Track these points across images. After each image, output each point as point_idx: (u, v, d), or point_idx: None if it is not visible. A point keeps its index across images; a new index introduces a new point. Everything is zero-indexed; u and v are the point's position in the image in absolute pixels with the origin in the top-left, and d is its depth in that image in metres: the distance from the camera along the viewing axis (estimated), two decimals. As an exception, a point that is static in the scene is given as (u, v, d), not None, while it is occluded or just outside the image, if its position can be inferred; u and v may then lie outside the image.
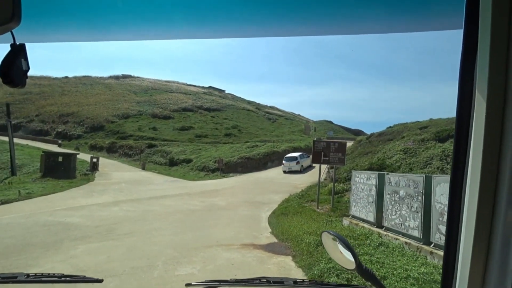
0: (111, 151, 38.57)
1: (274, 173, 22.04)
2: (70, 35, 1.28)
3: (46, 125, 52.37)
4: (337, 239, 1.11)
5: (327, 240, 1.17)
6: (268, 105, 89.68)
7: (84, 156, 27.70)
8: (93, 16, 1.09)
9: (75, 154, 21.86)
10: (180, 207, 11.34)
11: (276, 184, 17.32)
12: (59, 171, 19.44)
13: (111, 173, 23.19)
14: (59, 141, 44.21)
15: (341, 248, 1.11)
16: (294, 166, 21.61)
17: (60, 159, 20.28)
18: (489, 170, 0.61)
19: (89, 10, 1.05)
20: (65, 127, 50.37)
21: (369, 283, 1.07)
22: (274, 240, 7.14)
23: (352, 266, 1.05)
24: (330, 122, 60.09)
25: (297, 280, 1.11)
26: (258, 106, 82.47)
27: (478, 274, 0.63)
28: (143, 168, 27.40)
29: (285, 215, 9.72)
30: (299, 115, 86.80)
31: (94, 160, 24.32)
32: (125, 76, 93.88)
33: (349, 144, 17.69)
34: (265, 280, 1.11)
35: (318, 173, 11.98)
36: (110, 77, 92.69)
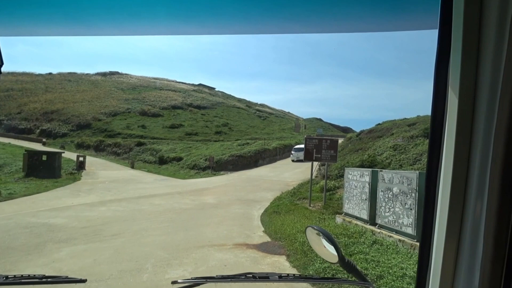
0: (98, 149, 37.66)
1: (265, 171, 22.00)
2: (49, 29, 1.20)
3: (29, 123, 50.67)
4: (320, 234, 1.16)
5: (311, 235, 1.21)
6: (259, 102, 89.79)
7: (70, 155, 26.93)
8: (74, 9, 1.03)
9: (60, 153, 21.13)
10: (171, 206, 11.09)
11: (268, 182, 17.22)
12: (43, 171, 18.76)
13: (98, 172, 22.59)
14: (44, 140, 42.85)
15: (324, 242, 1.15)
16: (301, 155, 22.21)
17: (44, 158, 19.55)
18: (460, 165, 0.64)
19: (69, 3, 0.99)
20: (49, 125, 48.87)
21: (351, 275, 1.11)
22: (267, 239, 7.01)
23: (335, 259, 1.09)
24: (320, 119, 60.55)
25: (282, 275, 1.13)
26: (249, 104, 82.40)
27: (450, 263, 0.67)
28: (132, 167, 26.83)
29: (277, 213, 9.61)
30: (289, 112, 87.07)
31: (81, 158, 23.63)
32: (112, 73, 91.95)
33: (339, 141, 17.82)
34: (251, 275, 1.12)
35: (309, 170, 11.93)
36: (97, 73, 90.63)
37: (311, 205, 10.63)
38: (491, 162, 0.59)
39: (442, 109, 0.69)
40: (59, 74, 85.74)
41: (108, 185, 16.54)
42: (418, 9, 0.94)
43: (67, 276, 1.12)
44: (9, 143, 36.40)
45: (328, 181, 12.00)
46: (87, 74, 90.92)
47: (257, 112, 72.60)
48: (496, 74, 0.59)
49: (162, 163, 28.33)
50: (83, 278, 1.12)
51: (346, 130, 56.03)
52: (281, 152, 26.26)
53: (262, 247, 6.36)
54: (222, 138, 40.92)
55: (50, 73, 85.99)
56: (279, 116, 76.64)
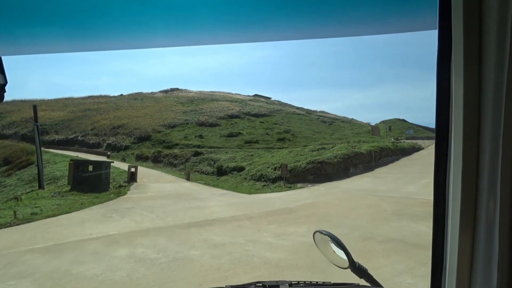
0: (156, 160, 35.77)
1: (367, 182, 15.16)
2: (54, 45, 1.13)
3: (98, 138, 52.98)
4: (329, 239, 1.11)
5: (320, 240, 1.16)
6: (318, 110, 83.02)
7: (125, 166, 24.51)
8: (77, 23, 1.01)
9: (109, 163, 18.22)
10: (241, 251, 5.84)
11: (392, 201, 10.89)
12: (90, 183, 15.74)
13: (149, 184, 19.08)
14: (108, 153, 43.32)
15: (334, 247, 1.11)
16: None
17: (91, 168, 16.67)
18: (470, 163, 0.63)
19: (69, 20, 0.98)
20: (114, 139, 50.12)
21: (364, 280, 1.07)
22: None
23: (346, 264, 1.06)
24: (404, 120, 50.58)
25: (293, 282, 1.09)
26: (308, 111, 76.36)
27: (465, 262, 0.65)
28: (188, 179, 23.05)
29: None
30: (352, 119, 78.27)
31: (132, 170, 20.61)
32: (173, 90, 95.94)
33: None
34: (261, 284, 1.08)
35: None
36: (160, 91, 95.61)
37: None
38: (501, 158, 0.58)
39: (446, 108, 0.67)
40: (129, 94, 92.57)
41: (154, 203, 12.29)
42: (418, 9, 0.91)
43: None
44: (77, 156, 36.93)
45: None
46: (151, 92, 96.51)
47: (320, 117, 65.90)
48: (500, 70, 0.57)
49: (221, 174, 24.01)
50: None
51: (435, 132, 45.95)
52: (377, 157, 19.40)
53: None
54: (286, 145, 35.58)
55: (121, 94, 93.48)
56: (345, 121, 68.75)
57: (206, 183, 21.18)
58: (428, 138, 36.42)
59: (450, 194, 0.67)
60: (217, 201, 13.10)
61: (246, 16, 0.97)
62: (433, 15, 0.75)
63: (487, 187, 0.61)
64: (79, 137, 55.70)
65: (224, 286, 1.05)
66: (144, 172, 27.33)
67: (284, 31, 1.04)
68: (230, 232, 7.32)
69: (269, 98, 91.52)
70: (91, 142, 52.00)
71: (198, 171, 27.77)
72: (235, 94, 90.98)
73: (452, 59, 0.64)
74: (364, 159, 18.38)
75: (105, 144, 49.43)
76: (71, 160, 17.94)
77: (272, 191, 16.02)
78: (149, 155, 37.91)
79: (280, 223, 8.16)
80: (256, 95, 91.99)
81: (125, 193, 15.13)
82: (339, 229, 6.93)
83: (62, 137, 56.01)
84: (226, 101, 74.32)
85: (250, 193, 15.96)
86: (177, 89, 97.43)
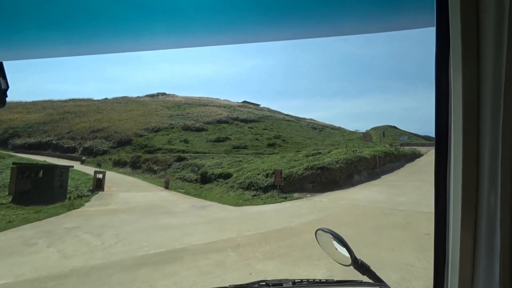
0: (135, 166, 32.38)
1: (383, 193, 12.56)
2: (55, 50, 1.10)
3: (74, 141, 48.94)
4: (332, 236, 1.11)
5: (322, 238, 1.17)
6: (307, 117, 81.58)
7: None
8: (75, 27, 0.99)
9: (67, 167, 15.01)
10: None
11: (418, 218, 8.34)
12: (38, 193, 12.55)
13: (117, 194, 15.95)
14: (83, 158, 39.54)
15: (336, 244, 1.11)
16: None
17: (41, 174, 13.46)
18: (470, 161, 0.63)
19: (70, 24, 0.97)
20: (92, 143, 46.27)
21: (366, 277, 1.07)
22: None
23: (348, 261, 1.06)
24: (395, 127, 49.18)
25: (296, 281, 1.10)
26: (297, 119, 74.73)
27: (468, 259, 0.65)
28: (166, 187, 20.00)
29: None
30: (340, 127, 77.23)
31: (99, 176, 17.43)
32: (159, 94, 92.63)
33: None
34: (264, 283, 1.09)
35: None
36: (146, 95, 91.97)
37: None
38: (501, 153, 0.58)
39: (446, 105, 0.67)
40: (113, 98, 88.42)
41: (111, 220, 9.30)
42: (414, 6, 0.89)
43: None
44: (45, 161, 33.06)
45: None
46: (137, 96, 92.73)
47: (310, 124, 64.13)
48: (498, 65, 0.57)
49: (205, 182, 21.09)
50: None
51: (428, 138, 45.10)
52: (381, 164, 16.91)
53: None
54: (277, 150, 33.10)
55: (106, 98, 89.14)
56: (335, 128, 67.42)
57: (187, 192, 18.23)
58: (423, 144, 35.02)
59: (451, 190, 0.67)
60: (195, 216, 10.23)
61: (238, 17, 0.93)
62: (430, 12, 0.75)
63: (487, 183, 0.61)
64: (53, 141, 51.40)
65: (227, 285, 1.06)
66: (118, 179, 24.04)
67: (283, 30, 1.01)
68: (204, 277, 4.50)
69: (258, 105, 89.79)
70: (66, 146, 47.88)
71: (180, 178, 24.72)
72: (224, 100, 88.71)
73: (450, 55, 0.63)
74: (368, 165, 15.93)
75: (81, 149, 45.46)
76: (13, 163, 14.54)
77: (265, 203, 13.26)
78: (128, 160, 34.46)
79: (282, 257, 5.40)
80: (245, 101, 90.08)
81: (80, 206, 11.99)
82: (384, 271, 4.23)
83: (34, 140, 51.47)
84: (214, 106, 71.84)
85: (237, 204, 13.14)
86: (164, 94, 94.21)
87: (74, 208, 11.41)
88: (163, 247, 6.00)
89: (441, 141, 0.69)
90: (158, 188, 20.12)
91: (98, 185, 17.07)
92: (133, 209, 11.43)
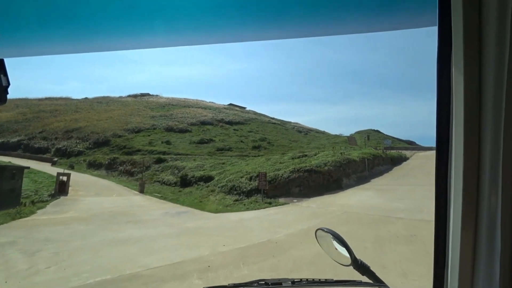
0: (111, 168, 30.31)
1: (375, 198, 11.65)
2: (55, 47, 1.08)
3: (47, 142, 45.81)
4: (331, 236, 1.10)
5: (322, 237, 1.15)
6: (292, 121, 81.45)
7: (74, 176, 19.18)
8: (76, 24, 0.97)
9: (20, 169, 13.20)
10: None
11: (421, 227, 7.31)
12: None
13: (82, 199, 14.23)
14: (55, 159, 36.86)
15: (336, 244, 1.09)
16: None
17: (-11, 176, 11.62)
18: (471, 162, 0.62)
19: (73, 21, 0.95)
20: (66, 143, 43.42)
21: (366, 277, 1.06)
22: None
23: (348, 261, 1.04)
24: (378, 131, 49.26)
25: (295, 280, 1.09)
26: (282, 122, 74.32)
27: (468, 259, 0.64)
28: (141, 191, 18.33)
29: None
30: (324, 131, 77.65)
31: (63, 178, 15.62)
32: (143, 95, 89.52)
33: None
34: (263, 282, 1.08)
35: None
36: (129, 95, 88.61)
37: None
38: (502, 154, 0.58)
39: (447, 105, 0.66)
40: (94, 98, 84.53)
41: (62, 232, 7.78)
42: (415, 6, 0.88)
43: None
44: (10, 162, 30.31)
45: None
46: (119, 96, 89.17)
47: (296, 127, 63.59)
48: (500, 66, 0.57)
49: (185, 185, 19.60)
50: None
51: (410, 143, 45.56)
52: (370, 167, 16.04)
53: None
54: (262, 153, 31.96)
55: (86, 98, 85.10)
56: (320, 132, 67.26)
57: (163, 197, 16.69)
58: (406, 148, 35.21)
59: (451, 190, 0.66)
60: (165, 225, 8.83)
61: (226, 16, 0.92)
62: (431, 11, 0.74)
63: (488, 183, 0.60)
64: (24, 141, 47.98)
65: (227, 284, 1.07)
66: (89, 182, 22.08)
67: (283, 30, 0.99)
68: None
69: (244, 108, 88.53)
70: (37, 146, 44.71)
71: (159, 181, 23.07)
72: (210, 102, 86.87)
73: (452, 55, 0.63)
74: (357, 168, 15.09)
75: (53, 149, 42.51)
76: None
77: (247, 209, 12.01)
78: (104, 162, 32.25)
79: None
80: (231, 104, 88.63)
81: (30, 214, 10.29)
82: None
83: (2, 140, 47.84)
84: (199, 108, 70.04)
85: (217, 211, 11.81)
86: (147, 94, 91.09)
87: (21, 217, 9.72)
88: (109, 272, 4.64)
89: (442, 141, 0.68)
90: (132, 192, 18.44)
91: (61, 188, 15.27)
92: (94, 218, 9.88)
